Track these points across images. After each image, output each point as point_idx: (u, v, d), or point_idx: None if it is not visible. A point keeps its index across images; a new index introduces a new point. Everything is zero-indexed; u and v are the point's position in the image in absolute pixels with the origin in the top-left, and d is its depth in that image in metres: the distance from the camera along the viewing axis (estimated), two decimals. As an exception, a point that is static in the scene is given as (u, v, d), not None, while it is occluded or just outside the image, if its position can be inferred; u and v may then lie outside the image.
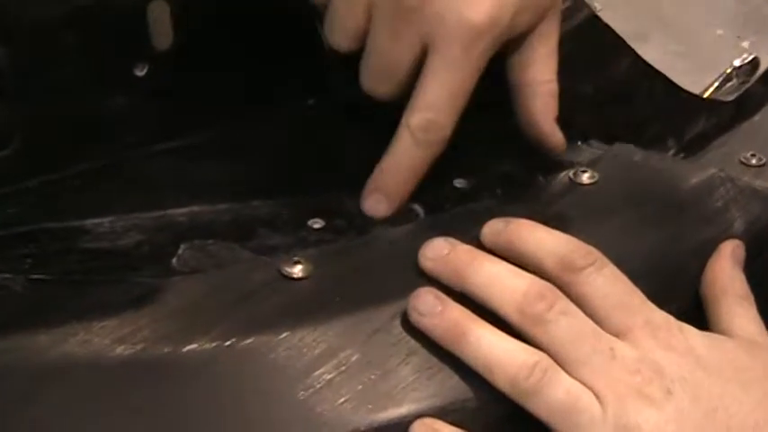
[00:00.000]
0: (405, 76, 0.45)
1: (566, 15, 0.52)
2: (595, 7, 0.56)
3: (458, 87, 0.45)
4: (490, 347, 0.38)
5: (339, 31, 0.46)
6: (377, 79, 0.46)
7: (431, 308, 0.39)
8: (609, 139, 0.51)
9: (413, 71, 0.45)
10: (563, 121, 0.49)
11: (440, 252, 0.41)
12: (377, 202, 0.45)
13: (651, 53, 0.55)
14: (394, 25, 0.45)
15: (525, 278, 0.40)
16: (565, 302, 0.39)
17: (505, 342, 0.38)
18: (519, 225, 0.42)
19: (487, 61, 0.45)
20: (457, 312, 0.39)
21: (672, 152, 0.51)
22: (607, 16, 0.55)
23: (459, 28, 0.44)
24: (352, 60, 0.47)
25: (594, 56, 0.55)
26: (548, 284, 0.40)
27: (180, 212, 0.45)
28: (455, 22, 0.44)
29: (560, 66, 0.48)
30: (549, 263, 0.40)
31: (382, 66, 0.46)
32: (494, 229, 0.42)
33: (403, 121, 0.45)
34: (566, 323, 0.39)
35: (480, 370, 0.38)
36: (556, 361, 0.38)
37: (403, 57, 0.45)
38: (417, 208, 0.46)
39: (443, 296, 0.39)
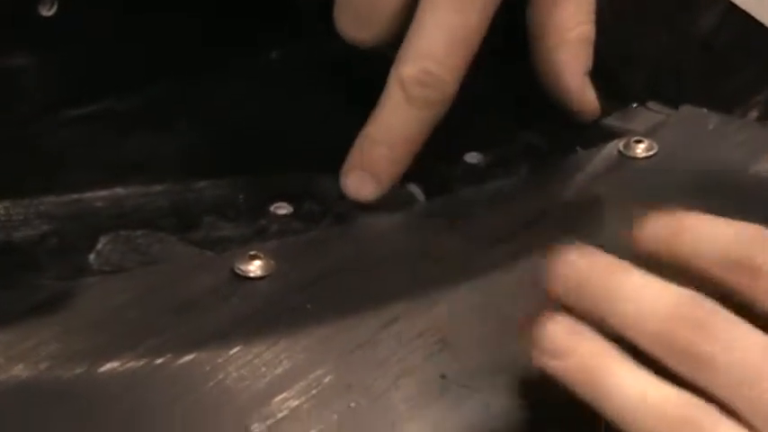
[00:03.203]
0: (392, 17, 0.47)
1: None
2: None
3: (461, 31, 0.46)
4: (635, 396, 0.37)
5: None
6: (356, 21, 0.48)
7: (564, 346, 0.38)
8: (673, 100, 0.52)
9: (403, 11, 0.47)
10: (613, 77, 0.50)
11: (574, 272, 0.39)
12: (359, 180, 0.47)
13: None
14: None
15: (669, 292, 0.38)
16: (734, 326, 0.37)
17: (658, 388, 0.37)
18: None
19: (496, 5, 0.46)
20: (593, 346, 0.38)
21: (755, 117, 0.53)
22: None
23: None
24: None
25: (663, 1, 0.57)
26: (703, 299, 0.37)
27: (100, 196, 0.47)
28: None
29: (610, 7, 0.50)
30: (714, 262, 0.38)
31: (362, 2, 0.47)
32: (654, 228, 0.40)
33: (392, 74, 0.47)
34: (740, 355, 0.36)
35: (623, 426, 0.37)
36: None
37: None
38: (415, 189, 0.48)
39: (578, 326, 0.38)
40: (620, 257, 0.44)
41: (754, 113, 0.53)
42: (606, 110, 0.52)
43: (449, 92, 0.46)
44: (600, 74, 0.51)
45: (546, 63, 0.49)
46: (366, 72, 0.50)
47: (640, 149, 0.48)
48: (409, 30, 0.46)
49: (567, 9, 0.49)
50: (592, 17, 0.49)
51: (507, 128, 0.51)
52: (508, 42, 0.49)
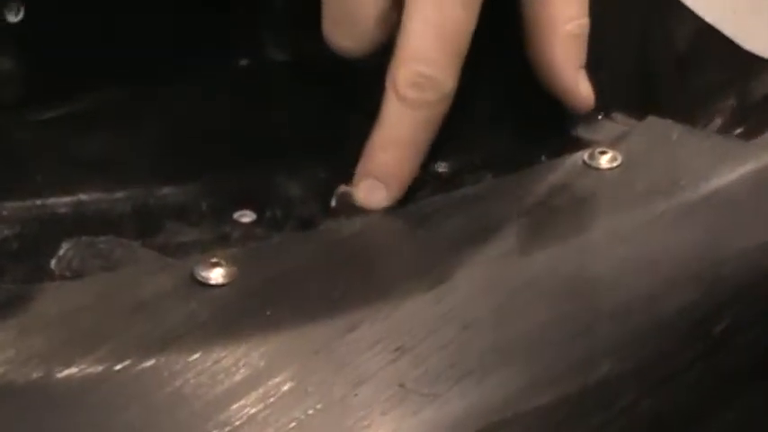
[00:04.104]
0: (378, 24, 0.47)
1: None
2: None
3: (449, 26, 0.46)
4: None
5: None
6: (342, 30, 0.47)
7: None
8: (639, 111, 0.52)
9: (388, 16, 0.47)
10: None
11: None
12: (371, 189, 0.46)
13: (717, 6, 0.57)
14: None
15: None
16: None
17: None
18: None
19: None
20: None
21: (720, 123, 0.53)
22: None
23: None
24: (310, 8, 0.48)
25: (629, 10, 0.57)
26: None
27: (63, 201, 0.47)
28: None
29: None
30: None
31: (346, 5, 0.47)
32: None
33: (388, 80, 0.46)
34: None
35: None
36: None
37: None
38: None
39: None
40: (583, 266, 0.45)
41: (718, 121, 0.53)
42: (573, 120, 0.52)
43: (445, 90, 0.46)
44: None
45: (539, 58, 0.49)
46: (334, 79, 0.50)
47: (605, 160, 0.48)
48: (398, 34, 0.46)
49: (559, 1, 0.49)
50: (585, 10, 0.49)
51: (476, 136, 0.51)
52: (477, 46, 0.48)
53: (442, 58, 0.46)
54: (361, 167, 0.47)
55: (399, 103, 0.46)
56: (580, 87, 0.49)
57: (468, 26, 0.46)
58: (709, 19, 0.56)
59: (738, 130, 0.54)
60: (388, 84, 0.46)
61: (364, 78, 0.49)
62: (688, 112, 0.53)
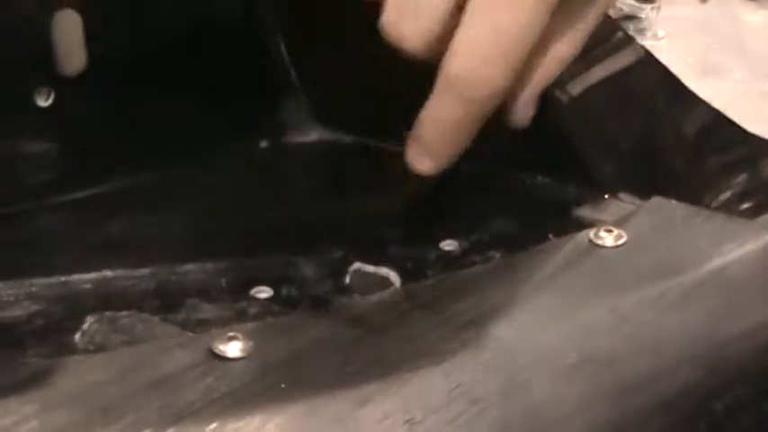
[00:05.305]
0: (443, 16, 0.46)
1: (609, 50, 0.55)
2: (657, 34, 0.59)
3: (511, 29, 0.45)
4: None
5: None
6: (402, 19, 0.46)
7: None
8: (645, 192, 0.53)
9: (454, 11, 0.45)
10: (588, 167, 0.51)
11: None
12: (419, 156, 0.47)
13: (727, 92, 0.58)
14: None
15: None
16: None
17: None
18: None
19: (550, 5, 0.45)
20: None
21: (722, 207, 0.54)
22: (673, 46, 0.58)
23: None
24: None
25: (636, 93, 0.58)
26: None
27: (87, 278, 0.48)
28: None
29: (597, 105, 0.51)
30: None
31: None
32: None
33: (441, 68, 0.46)
34: None
35: None
36: None
37: None
38: (391, 274, 0.49)
39: None
40: (588, 344, 0.45)
41: (723, 200, 0.54)
42: (580, 199, 0.53)
43: (497, 89, 0.46)
44: (576, 162, 0.52)
45: None
46: (349, 161, 0.52)
47: (610, 239, 0.49)
48: (459, 25, 0.45)
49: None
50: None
51: (485, 216, 0.52)
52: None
53: (499, 59, 0.45)
54: (413, 133, 0.47)
55: (448, 94, 0.46)
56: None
57: (529, 34, 0.45)
58: (716, 104, 0.58)
59: (744, 208, 0.55)
60: (441, 74, 0.46)
61: (379, 161, 0.50)
62: (694, 193, 0.54)
